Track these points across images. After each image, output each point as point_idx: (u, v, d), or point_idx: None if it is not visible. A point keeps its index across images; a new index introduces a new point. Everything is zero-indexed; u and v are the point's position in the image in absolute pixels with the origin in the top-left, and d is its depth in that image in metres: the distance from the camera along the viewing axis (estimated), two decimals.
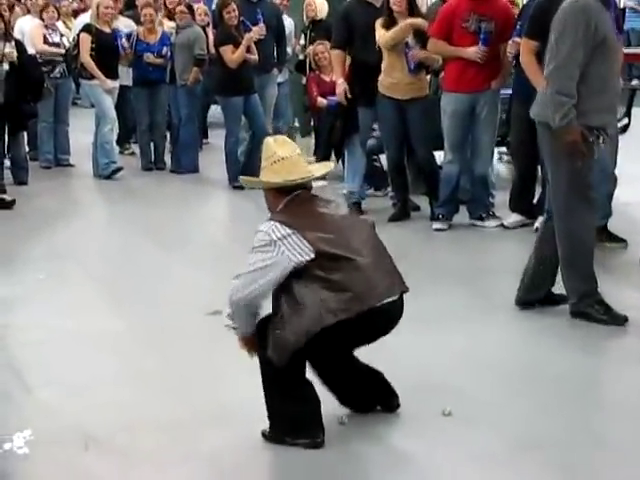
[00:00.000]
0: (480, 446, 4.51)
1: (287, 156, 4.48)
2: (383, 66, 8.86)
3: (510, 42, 8.36)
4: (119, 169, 11.46)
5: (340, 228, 4.46)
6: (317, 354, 4.49)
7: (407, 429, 4.71)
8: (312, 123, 12.06)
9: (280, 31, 11.49)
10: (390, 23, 8.70)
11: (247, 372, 4.99)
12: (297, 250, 4.28)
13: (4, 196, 9.82)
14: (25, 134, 11.23)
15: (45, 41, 11.81)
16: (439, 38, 8.59)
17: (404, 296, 4.58)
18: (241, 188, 10.71)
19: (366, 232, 4.60)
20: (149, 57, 11.73)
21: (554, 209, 6.24)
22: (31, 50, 11.17)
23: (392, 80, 8.82)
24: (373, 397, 4.87)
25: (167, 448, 4.53)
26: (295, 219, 4.36)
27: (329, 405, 4.73)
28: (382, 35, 8.71)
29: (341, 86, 9.38)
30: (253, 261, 4.32)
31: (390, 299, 4.44)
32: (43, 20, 11.98)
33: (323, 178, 5.49)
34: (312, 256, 4.27)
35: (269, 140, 4.60)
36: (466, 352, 5.73)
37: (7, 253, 8.13)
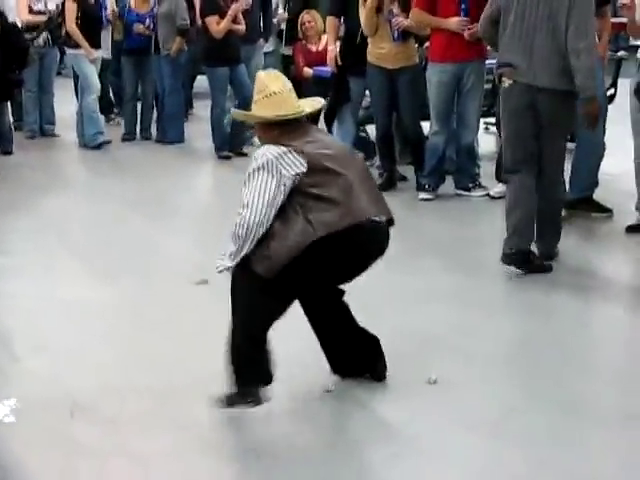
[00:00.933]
0: (463, 414, 4.52)
1: (278, 91, 4.49)
2: (369, 35, 8.86)
3: None
4: (107, 142, 11.42)
5: (333, 147, 4.54)
6: (309, 282, 4.48)
7: (392, 397, 4.72)
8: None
9: (266, 1, 11.45)
10: None
11: None
12: (291, 165, 4.31)
13: None
14: (9, 104, 11.18)
15: (30, 10, 11.71)
16: (422, 9, 8.56)
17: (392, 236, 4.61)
18: (227, 158, 10.74)
19: (359, 162, 4.68)
20: (139, 27, 11.69)
21: (557, 171, 6.65)
22: (16, 19, 11.07)
23: (380, 50, 8.82)
24: (364, 361, 4.88)
25: (153, 415, 4.54)
26: (289, 141, 4.39)
27: (318, 372, 4.75)
28: (362, 15, 8.76)
29: (332, 52, 9.40)
30: (253, 185, 4.31)
31: (377, 218, 4.46)
32: None
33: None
34: (305, 169, 4.31)
35: (261, 74, 4.61)
36: (452, 321, 5.75)
37: None
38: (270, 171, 4.30)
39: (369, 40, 8.89)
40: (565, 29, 6.31)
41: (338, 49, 9.43)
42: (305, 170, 4.32)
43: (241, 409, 4.47)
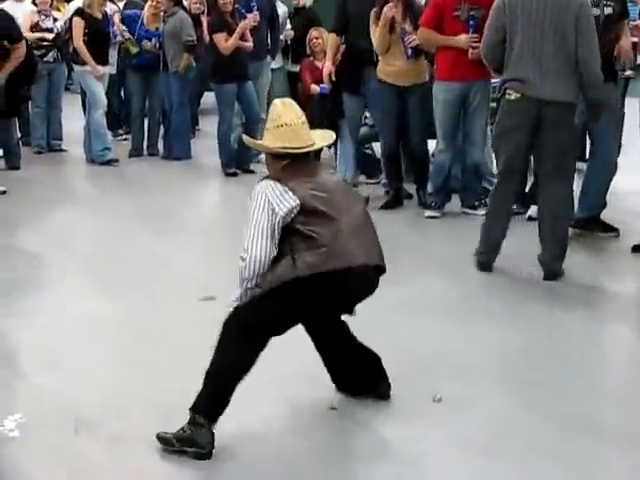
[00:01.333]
0: (468, 433, 4.53)
1: (290, 122, 4.50)
2: (380, 53, 8.89)
3: None
4: (115, 160, 11.45)
5: (332, 191, 4.50)
6: (290, 318, 4.49)
7: (396, 415, 4.73)
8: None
9: (273, 18, 11.48)
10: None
11: None
12: (285, 203, 4.32)
13: None
14: (16, 119, 11.22)
15: (37, 27, 11.76)
16: (430, 27, 8.60)
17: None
18: (234, 175, 10.76)
19: (358, 204, 4.65)
20: (147, 45, 11.73)
21: (568, 172, 6.90)
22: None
23: (392, 67, 8.85)
24: (366, 380, 4.88)
25: (158, 431, 4.53)
26: (290, 179, 4.40)
27: (322, 389, 4.75)
28: (374, 35, 8.80)
29: (327, 69, 9.48)
30: (252, 227, 4.32)
31: (365, 263, 4.46)
32: (36, 5, 11.97)
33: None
34: (296, 204, 4.32)
35: (277, 102, 4.62)
36: (457, 338, 5.77)
37: (0, 239, 8.12)
38: (266, 210, 4.31)
39: (380, 58, 8.92)
40: (574, 43, 6.56)
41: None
42: (298, 210, 4.33)
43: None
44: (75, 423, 4.58)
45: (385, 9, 8.68)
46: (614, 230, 8.07)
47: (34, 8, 12.07)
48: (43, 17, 11.88)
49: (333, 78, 9.52)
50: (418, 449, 4.38)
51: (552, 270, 6.87)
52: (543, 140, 6.74)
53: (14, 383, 5.15)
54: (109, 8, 12.14)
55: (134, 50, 11.88)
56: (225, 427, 4.41)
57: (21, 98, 10.58)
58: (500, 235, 7.08)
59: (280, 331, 4.46)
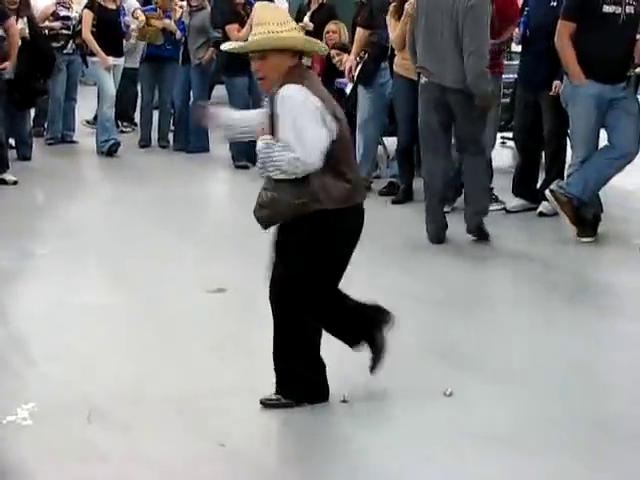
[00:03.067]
0: (479, 427, 4.54)
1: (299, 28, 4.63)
2: (398, 48, 8.87)
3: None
4: (117, 144, 11.42)
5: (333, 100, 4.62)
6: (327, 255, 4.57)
7: (407, 408, 4.74)
8: None
9: None
10: (400, 12, 8.73)
11: (248, 347, 5.09)
12: (327, 121, 4.39)
13: (6, 177, 9.79)
14: (31, 111, 11.25)
15: (54, 15, 11.79)
16: None
17: None
18: (245, 167, 10.76)
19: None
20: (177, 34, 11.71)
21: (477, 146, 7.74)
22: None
23: (409, 62, 8.82)
24: (363, 331, 4.92)
25: (170, 421, 4.57)
26: (313, 88, 4.45)
27: (332, 383, 4.77)
28: (392, 30, 8.82)
29: (349, 63, 9.47)
30: (300, 123, 4.33)
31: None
32: None
33: None
34: (336, 128, 4.42)
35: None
36: (469, 333, 5.78)
37: (11, 228, 8.14)
38: (319, 120, 4.37)
39: (396, 52, 8.92)
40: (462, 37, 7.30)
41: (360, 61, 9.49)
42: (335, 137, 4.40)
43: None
44: (88, 412, 4.60)
45: (406, 6, 8.62)
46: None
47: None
48: (60, 7, 11.91)
49: (354, 73, 9.50)
50: (430, 442, 4.40)
51: (474, 225, 7.77)
52: (455, 121, 7.60)
53: (25, 372, 5.19)
54: (127, 3, 12.13)
55: (159, 41, 11.85)
56: (235, 423, 4.43)
57: (37, 90, 10.61)
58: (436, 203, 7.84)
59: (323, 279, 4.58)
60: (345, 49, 10.16)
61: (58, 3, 11.93)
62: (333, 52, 10.11)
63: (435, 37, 7.46)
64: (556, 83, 8.10)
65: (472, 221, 7.82)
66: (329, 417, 4.65)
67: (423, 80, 7.67)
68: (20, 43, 10.04)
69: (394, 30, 8.82)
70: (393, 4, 8.89)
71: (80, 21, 11.53)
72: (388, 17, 8.89)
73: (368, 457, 4.30)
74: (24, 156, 10.90)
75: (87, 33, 11.29)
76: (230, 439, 4.38)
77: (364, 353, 4.89)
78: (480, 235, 7.79)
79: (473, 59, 7.29)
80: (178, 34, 11.70)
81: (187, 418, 4.60)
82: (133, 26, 11.84)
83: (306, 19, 12.03)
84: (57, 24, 11.75)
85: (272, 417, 4.61)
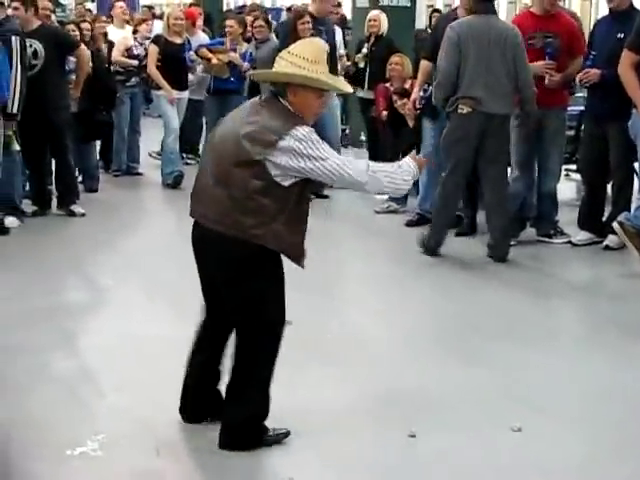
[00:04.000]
0: (544, 462, 4.52)
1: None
2: None
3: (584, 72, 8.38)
4: (181, 176, 11.49)
5: None
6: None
7: (474, 444, 4.72)
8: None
9: (333, 46, 11.46)
10: None
11: (312, 381, 5.09)
12: None
13: (75, 208, 9.94)
14: (97, 143, 11.40)
15: (129, 51, 12.03)
16: None
17: None
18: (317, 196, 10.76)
19: None
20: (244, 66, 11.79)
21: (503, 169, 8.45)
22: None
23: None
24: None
25: (240, 453, 4.58)
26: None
27: (404, 415, 4.75)
28: None
29: (415, 95, 9.49)
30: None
31: None
32: (136, 32, 12.22)
33: None
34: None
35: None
36: (533, 364, 5.76)
37: (78, 259, 8.25)
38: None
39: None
40: (514, 69, 8.04)
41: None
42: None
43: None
44: (155, 443, 4.63)
45: None
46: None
47: (128, 33, 12.34)
48: (137, 44, 12.12)
49: (418, 105, 9.53)
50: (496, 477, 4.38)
51: (497, 254, 8.18)
52: (484, 147, 8.10)
53: (94, 403, 5.23)
54: (197, 37, 12.25)
55: (225, 75, 11.96)
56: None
57: (101, 123, 10.77)
58: (446, 223, 8.45)
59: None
60: (405, 94, 10.15)
61: (135, 39, 12.14)
62: (395, 96, 10.14)
63: (484, 70, 8.04)
64: None
65: (494, 250, 8.25)
66: (393, 454, 4.64)
67: (465, 110, 8.07)
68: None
69: None
70: None
71: (146, 55, 11.71)
72: None
73: None
74: (91, 188, 11.02)
75: (152, 67, 11.44)
76: (290, 464, 4.38)
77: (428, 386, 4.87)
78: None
79: (531, 88, 8.17)
80: (245, 65, 11.77)
81: (255, 451, 4.61)
82: (197, 60, 11.95)
83: (364, 51, 12.09)
84: (129, 62, 11.94)
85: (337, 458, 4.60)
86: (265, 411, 4.62)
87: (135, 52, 12.10)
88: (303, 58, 4.45)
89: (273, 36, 11.89)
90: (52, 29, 9.96)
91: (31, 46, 9.40)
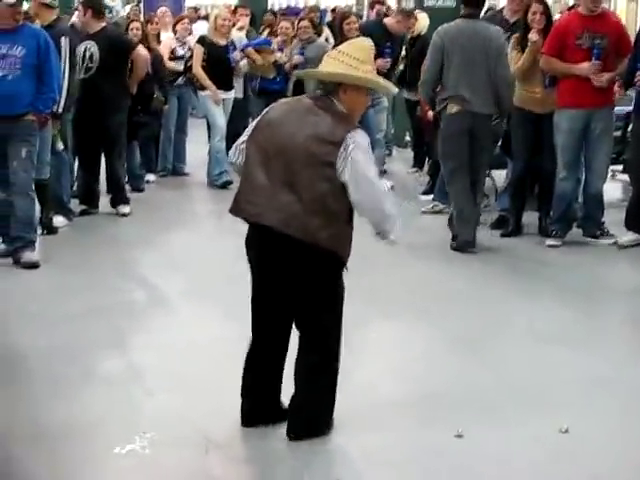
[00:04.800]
0: (595, 465, 4.51)
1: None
2: (519, 80, 8.89)
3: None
4: (230, 182, 11.53)
5: None
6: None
7: (522, 445, 4.72)
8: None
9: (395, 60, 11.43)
10: (525, 41, 8.81)
11: (357, 380, 5.11)
12: None
13: (123, 209, 10.04)
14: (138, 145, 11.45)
15: (173, 54, 12.12)
16: (552, 55, 8.60)
17: None
18: None
19: None
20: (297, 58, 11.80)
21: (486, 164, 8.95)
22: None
23: (533, 95, 8.85)
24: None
25: (282, 453, 4.63)
26: None
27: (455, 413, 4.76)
28: (514, 61, 8.85)
29: None
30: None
31: None
32: (175, 32, 12.30)
33: None
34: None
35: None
36: (580, 369, 5.74)
37: (126, 259, 8.32)
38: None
39: (518, 85, 8.90)
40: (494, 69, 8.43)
41: None
42: None
43: None
44: (205, 443, 4.67)
45: (531, 35, 8.69)
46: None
47: (171, 35, 12.46)
48: (180, 44, 12.21)
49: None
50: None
51: (463, 240, 8.55)
52: (472, 145, 8.48)
53: (144, 402, 5.27)
54: (237, 39, 12.28)
55: (271, 75, 12.00)
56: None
57: (137, 124, 10.81)
58: (471, 209, 8.65)
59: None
60: None
61: (177, 39, 12.23)
62: None
63: (468, 71, 8.44)
64: None
65: (462, 237, 8.58)
66: (433, 454, 4.66)
67: (455, 109, 8.47)
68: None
69: (516, 62, 8.83)
70: (515, 36, 8.94)
71: (191, 56, 11.78)
72: (509, 49, 8.90)
73: None
74: (137, 188, 11.10)
75: (198, 68, 11.49)
76: (344, 467, 4.40)
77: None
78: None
79: (509, 87, 8.59)
80: (297, 58, 11.75)
81: (305, 449, 4.63)
82: (243, 62, 11.97)
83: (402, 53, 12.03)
84: (173, 64, 12.02)
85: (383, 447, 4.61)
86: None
87: (179, 53, 12.17)
88: (354, 58, 4.53)
89: (318, 37, 11.89)
90: (109, 32, 10.03)
91: (88, 49, 9.59)
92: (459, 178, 8.63)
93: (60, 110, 8.69)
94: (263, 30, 13.50)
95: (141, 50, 10.25)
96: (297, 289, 4.62)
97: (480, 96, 8.41)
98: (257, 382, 4.82)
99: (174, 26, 12.56)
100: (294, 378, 4.73)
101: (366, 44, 4.76)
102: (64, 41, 8.82)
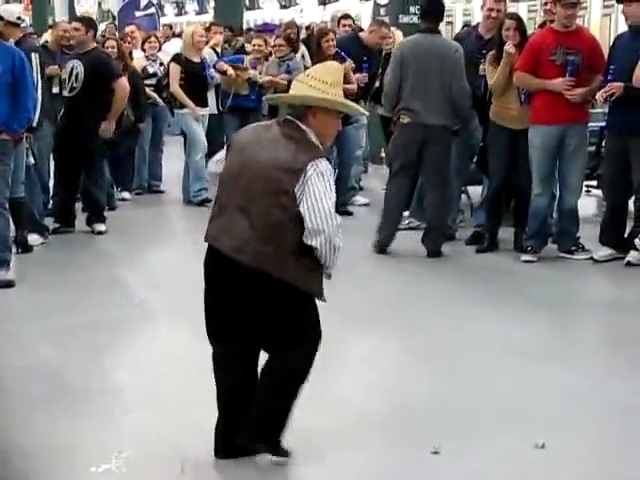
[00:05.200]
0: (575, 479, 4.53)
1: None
2: (496, 96, 8.95)
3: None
4: (208, 200, 11.52)
5: None
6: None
7: (499, 460, 4.73)
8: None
9: (374, 75, 11.42)
10: (500, 58, 8.84)
11: (329, 397, 5.10)
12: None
13: (98, 227, 10.01)
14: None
15: (144, 72, 12.12)
16: (526, 71, 8.64)
17: None
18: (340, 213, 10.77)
19: None
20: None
21: (443, 178, 9.13)
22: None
23: (509, 111, 8.88)
24: None
25: (267, 472, 4.60)
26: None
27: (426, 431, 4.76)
28: (491, 76, 8.89)
29: None
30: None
31: None
32: (144, 51, 12.29)
33: None
34: None
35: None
36: (555, 384, 5.74)
37: (102, 277, 8.27)
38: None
39: (494, 101, 8.97)
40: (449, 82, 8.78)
41: None
42: None
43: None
44: (181, 462, 4.65)
45: (506, 47, 8.72)
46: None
47: (142, 54, 12.45)
48: (151, 62, 12.22)
49: None
50: None
51: (432, 249, 8.89)
52: (426, 155, 8.86)
53: (121, 420, 5.26)
54: (208, 55, 12.28)
55: (245, 92, 12.00)
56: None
57: (107, 142, 10.75)
58: (396, 217, 9.20)
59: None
60: None
61: (147, 57, 12.22)
62: None
63: (424, 83, 8.80)
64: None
65: (430, 248, 8.92)
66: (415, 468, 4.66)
67: (406, 120, 8.88)
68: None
69: (492, 77, 8.88)
70: (491, 53, 8.97)
71: (166, 75, 11.75)
72: (486, 65, 8.98)
73: None
74: (109, 206, 11.03)
75: (176, 86, 11.44)
76: None
77: None
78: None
79: (466, 99, 8.97)
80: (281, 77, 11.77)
81: (284, 469, 4.63)
82: (217, 76, 11.96)
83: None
84: (150, 82, 12.04)
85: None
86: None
87: (150, 70, 12.17)
88: (324, 82, 4.48)
89: (295, 54, 11.89)
90: (98, 55, 10.04)
91: (75, 68, 9.63)
92: (397, 182, 9.12)
93: (34, 124, 8.68)
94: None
95: (123, 82, 10.08)
96: (251, 319, 4.53)
97: (433, 108, 8.74)
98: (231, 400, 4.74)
99: (142, 45, 12.54)
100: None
101: (336, 67, 4.77)
102: (34, 57, 8.89)
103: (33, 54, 8.90)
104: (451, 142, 9.10)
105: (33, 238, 9.16)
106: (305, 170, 4.32)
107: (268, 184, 4.37)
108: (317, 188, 4.33)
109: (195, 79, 11.52)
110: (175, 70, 11.50)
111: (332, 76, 4.54)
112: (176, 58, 11.67)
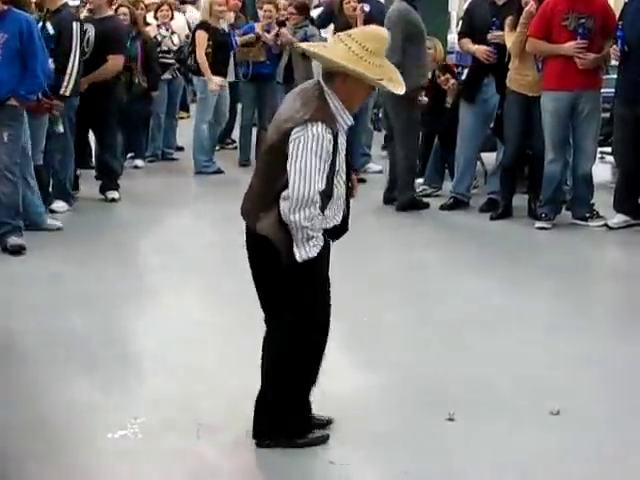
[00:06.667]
0: (585, 446, 4.54)
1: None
2: (513, 64, 8.89)
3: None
4: (220, 171, 11.51)
5: None
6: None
7: (514, 427, 4.73)
8: None
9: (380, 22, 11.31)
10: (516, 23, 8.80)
11: (366, 365, 5.10)
12: None
13: (111, 194, 10.01)
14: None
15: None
16: (538, 37, 8.59)
17: None
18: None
19: None
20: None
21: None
22: None
23: (525, 77, 8.84)
24: None
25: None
26: None
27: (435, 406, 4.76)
28: (511, 40, 8.84)
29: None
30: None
31: None
32: (157, 19, 12.21)
33: None
34: None
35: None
36: (570, 350, 5.74)
37: (116, 245, 8.29)
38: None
39: (511, 68, 8.92)
40: None
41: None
42: None
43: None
44: (197, 428, 4.67)
45: (528, 8, 8.68)
46: None
47: (154, 21, 12.36)
48: (163, 30, 12.10)
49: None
50: (540, 462, 4.41)
51: (400, 201, 9.33)
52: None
53: (135, 386, 5.30)
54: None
55: (262, 58, 11.91)
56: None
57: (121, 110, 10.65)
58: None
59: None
60: (448, 68, 10.21)
61: (159, 26, 12.12)
62: (437, 72, 10.15)
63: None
64: None
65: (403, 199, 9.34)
66: (432, 435, 4.68)
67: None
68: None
69: (511, 39, 8.84)
70: (510, 18, 8.91)
71: (191, 43, 11.62)
72: (505, 30, 8.94)
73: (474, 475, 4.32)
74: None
75: (202, 54, 11.22)
76: (333, 452, 4.42)
77: None
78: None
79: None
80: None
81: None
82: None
83: None
84: (165, 60, 11.98)
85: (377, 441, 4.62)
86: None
87: (164, 47, 12.04)
88: (364, 48, 4.17)
89: (309, 21, 11.80)
90: (111, 24, 9.96)
91: (87, 32, 9.50)
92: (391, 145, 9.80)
93: (68, 93, 8.66)
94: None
95: (118, 60, 9.97)
96: (257, 284, 4.53)
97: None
98: None
99: (155, 13, 12.45)
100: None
101: (381, 34, 4.34)
102: (75, 26, 8.82)
103: (74, 23, 8.86)
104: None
105: (59, 205, 9.20)
106: (297, 129, 4.12)
107: (270, 141, 4.30)
108: (298, 152, 4.12)
109: (222, 47, 11.38)
110: (203, 37, 11.27)
111: (374, 43, 4.20)
112: (203, 25, 11.43)
